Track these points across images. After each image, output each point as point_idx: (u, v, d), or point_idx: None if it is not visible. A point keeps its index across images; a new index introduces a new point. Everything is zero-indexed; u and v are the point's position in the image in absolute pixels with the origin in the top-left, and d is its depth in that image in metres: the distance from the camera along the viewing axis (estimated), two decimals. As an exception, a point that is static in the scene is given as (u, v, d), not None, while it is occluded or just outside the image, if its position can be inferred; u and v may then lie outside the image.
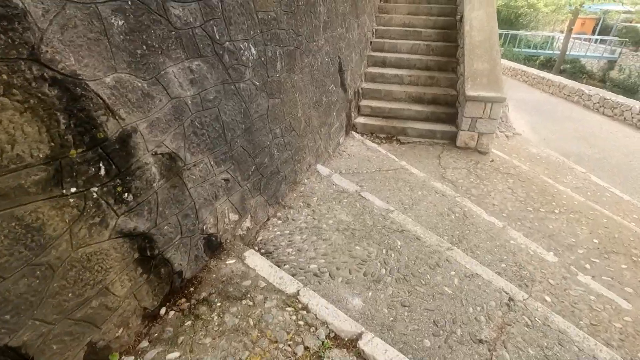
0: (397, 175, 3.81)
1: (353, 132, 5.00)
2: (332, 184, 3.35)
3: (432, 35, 6.17)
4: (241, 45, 2.31)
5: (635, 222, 3.81)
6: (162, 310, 1.78)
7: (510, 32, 22.81)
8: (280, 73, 2.85)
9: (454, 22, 6.19)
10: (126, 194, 1.56)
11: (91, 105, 1.39)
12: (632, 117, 7.71)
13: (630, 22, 23.74)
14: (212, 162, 2.12)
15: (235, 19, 2.22)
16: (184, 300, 1.84)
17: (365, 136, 5.06)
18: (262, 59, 2.57)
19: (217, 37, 2.08)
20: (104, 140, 1.44)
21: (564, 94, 9.89)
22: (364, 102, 5.42)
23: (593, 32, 25.21)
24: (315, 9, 3.38)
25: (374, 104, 5.40)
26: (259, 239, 2.56)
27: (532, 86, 11.45)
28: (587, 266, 2.91)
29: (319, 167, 3.65)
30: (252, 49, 2.44)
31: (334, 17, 3.92)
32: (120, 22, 1.48)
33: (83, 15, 1.34)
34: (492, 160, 4.54)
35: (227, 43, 2.17)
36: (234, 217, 2.39)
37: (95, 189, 1.43)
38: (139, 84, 1.59)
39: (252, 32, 2.41)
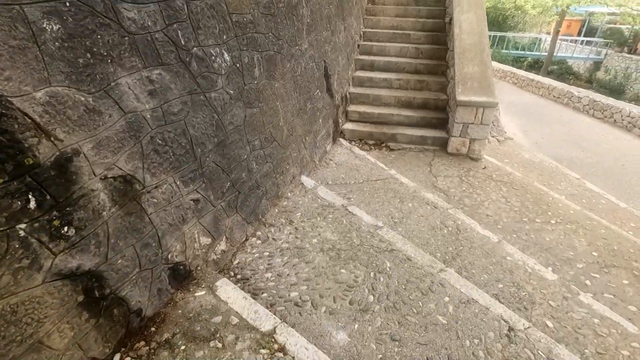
0: (387, 186, 3.62)
1: (341, 139, 4.80)
2: (317, 197, 3.14)
3: (421, 37, 6.03)
4: (212, 51, 2.09)
5: (634, 231, 3.68)
6: (117, 357, 1.54)
7: (499, 34, 23.01)
8: (259, 80, 2.63)
9: (443, 24, 6.06)
10: (66, 228, 1.33)
11: (15, 126, 1.16)
12: (622, 119, 7.67)
13: (615, 24, 24.10)
14: (178, 182, 1.90)
15: (204, 23, 2.00)
16: (142, 343, 1.61)
17: (353, 143, 4.87)
18: (238, 65, 2.35)
19: (183, 42, 1.86)
20: (34, 167, 1.21)
21: (554, 96, 9.86)
22: (352, 108, 5.23)
23: (579, 34, 25.54)
24: (297, 11, 3.18)
25: (362, 109, 5.21)
26: (235, 262, 2.34)
27: (522, 88, 11.42)
28: (588, 282, 2.75)
29: (304, 178, 3.44)
30: (225, 55, 2.22)
31: (318, 19, 3.72)
32: (55, 27, 1.26)
33: (2, 19, 1.11)
34: (485, 167, 4.38)
35: (195, 49, 1.95)
36: (205, 240, 2.16)
37: (23, 225, 1.19)
38: (82, 99, 1.37)
39: (225, 37, 2.19)
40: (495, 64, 13.85)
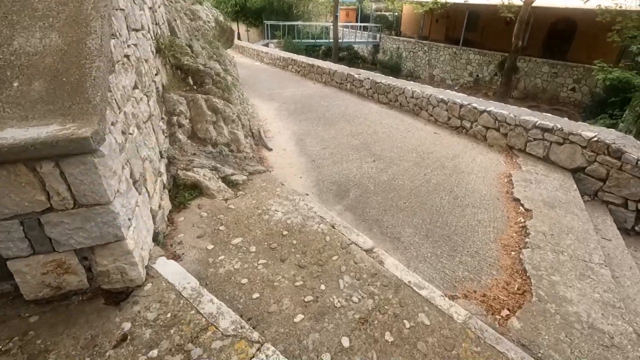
0: None
1: None
2: None
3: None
4: None
5: None
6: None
7: (287, 23, 22.20)
8: None
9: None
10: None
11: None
12: (408, 102, 6.37)
13: (381, 11, 26.75)
14: None
15: None
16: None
17: None
18: None
19: None
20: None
21: (336, 82, 8.24)
22: None
23: (356, 21, 27.45)
24: None
25: None
26: None
27: (305, 76, 9.58)
28: None
29: None
30: None
31: None
32: None
33: None
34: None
35: None
36: None
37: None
38: None
39: None
40: (276, 52, 11.86)
